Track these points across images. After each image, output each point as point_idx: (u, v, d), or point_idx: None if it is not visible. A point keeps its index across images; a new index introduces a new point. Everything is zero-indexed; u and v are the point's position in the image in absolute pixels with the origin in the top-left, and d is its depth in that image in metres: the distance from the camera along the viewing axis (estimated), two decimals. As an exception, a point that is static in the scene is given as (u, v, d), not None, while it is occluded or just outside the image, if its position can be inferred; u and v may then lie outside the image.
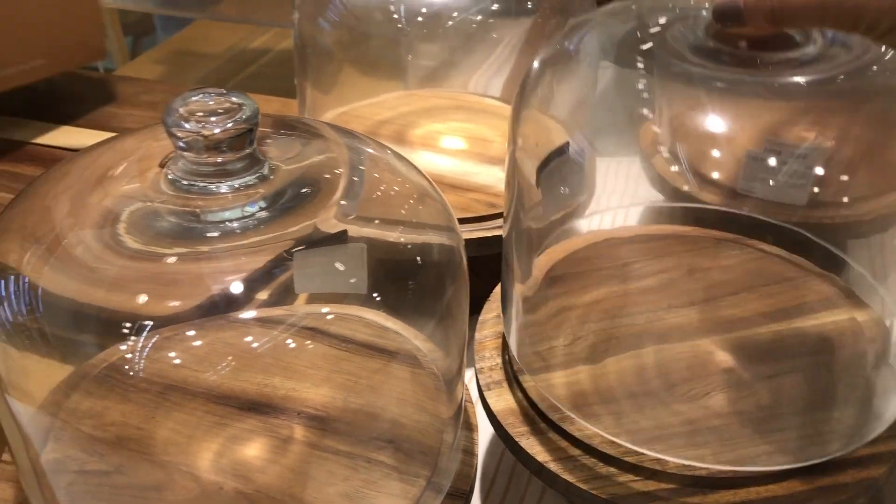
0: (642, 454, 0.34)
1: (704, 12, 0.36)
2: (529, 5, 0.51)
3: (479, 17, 0.50)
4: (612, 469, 0.34)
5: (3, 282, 0.31)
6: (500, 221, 0.49)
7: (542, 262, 0.44)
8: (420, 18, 0.51)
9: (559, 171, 0.41)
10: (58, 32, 0.61)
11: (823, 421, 0.36)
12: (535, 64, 0.39)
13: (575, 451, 0.35)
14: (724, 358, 0.39)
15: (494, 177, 0.52)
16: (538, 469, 0.35)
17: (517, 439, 0.36)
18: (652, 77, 0.37)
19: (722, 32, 0.35)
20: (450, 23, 0.50)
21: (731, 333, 0.40)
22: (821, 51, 0.35)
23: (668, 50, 0.36)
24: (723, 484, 0.34)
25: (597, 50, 0.40)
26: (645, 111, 0.38)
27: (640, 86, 0.38)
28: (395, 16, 0.50)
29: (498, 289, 0.44)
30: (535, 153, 0.39)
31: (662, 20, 0.38)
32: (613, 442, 0.35)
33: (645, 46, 0.37)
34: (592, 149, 0.40)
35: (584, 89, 0.41)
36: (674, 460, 0.34)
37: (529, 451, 0.36)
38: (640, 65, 0.37)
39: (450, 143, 0.56)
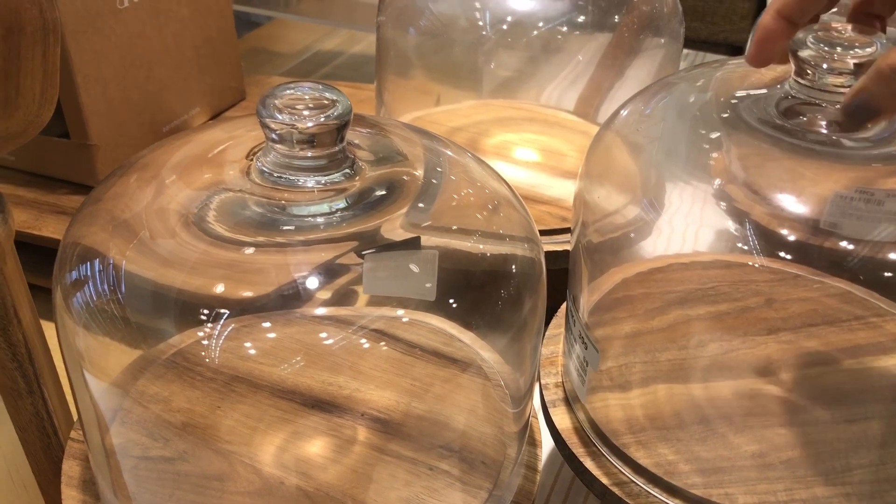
0: (709, 487, 0.33)
1: (778, 88, 0.36)
2: (616, 19, 0.51)
3: (565, 29, 0.49)
4: (677, 500, 0.33)
5: (89, 263, 0.31)
6: (570, 235, 0.48)
7: (606, 282, 0.43)
8: (504, 27, 0.50)
9: (630, 193, 0.40)
10: (209, 80, 0.65)
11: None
12: (624, 111, 0.39)
13: (639, 479, 0.34)
14: (799, 393, 0.38)
15: (567, 190, 0.52)
16: (602, 492, 0.34)
17: (581, 459, 0.35)
18: (727, 132, 0.37)
19: (793, 110, 0.34)
20: (534, 33, 0.50)
21: (809, 369, 0.39)
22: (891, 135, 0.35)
23: (743, 120, 0.36)
24: None
25: (673, 111, 0.40)
26: (717, 153, 0.37)
27: (716, 135, 0.37)
28: (480, 23, 0.50)
29: (563, 307, 0.44)
30: (608, 175, 0.39)
31: (738, 94, 0.37)
32: (678, 470, 0.34)
33: (723, 115, 0.37)
34: (661, 176, 0.39)
35: (659, 135, 0.40)
36: (744, 496, 0.33)
37: (594, 472, 0.35)
38: (717, 126, 0.37)
39: (523, 155, 0.56)
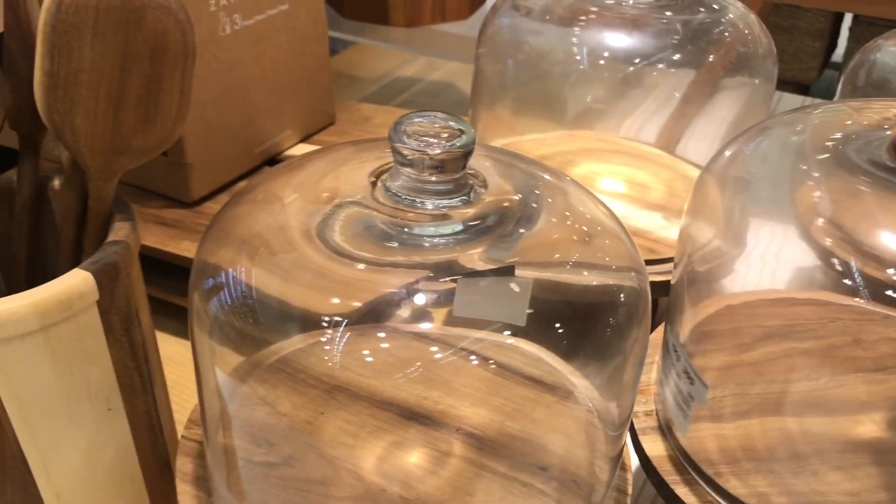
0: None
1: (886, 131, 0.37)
2: (711, 58, 0.52)
3: (662, 66, 0.51)
4: (771, 530, 0.34)
5: (222, 272, 0.33)
6: (658, 267, 0.49)
7: (701, 314, 0.44)
8: (601, 62, 0.52)
9: (729, 230, 0.41)
10: (301, 103, 0.67)
11: None
12: (728, 151, 0.40)
13: (729, 506, 0.35)
14: (892, 433, 0.38)
15: (653, 223, 0.53)
16: (694, 520, 0.35)
17: (673, 487, 0.36)
18: (828, 172, 0.38)
19: None
20: (630, 69, 0.51)
21: (900, 409, 0.39)
22: None
23: (847, 160, 0.37)
24: None
25: (776, 149, 0.41)
26: (818, 193, 0.38)
27: (817, 174, 0.38)
28: (577, 57, 0.51)
29: (654, 335, 0.45)
30: (711, 213, 0.40)
31: (838, 135, 0.38)
32: (771, 502, 0.34)
33: (820, 156, 0.38)
34: (760, 215, 0.40)
35: (762, 175, 0.41)
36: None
37: (685, 500, 0.36)
38: (818, 166, 0.38)
39: (609, 185, 0.57)
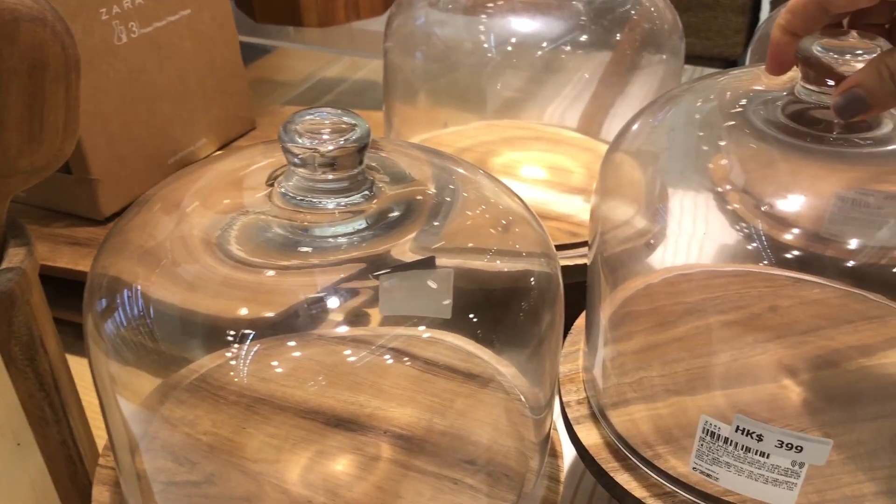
0: (744, 495, 0.33)
1: (785, 93, 0.37)
2: (618, 37, 0.52)
3: (568, 48, 0.51)
4: (709, 504, 0.34)
5: (117, 291, 0.32)
6: (581, 250, 0.49)
7: (621, 295, 0.44)
8: (509, 48, 0.51)
9: (640, 205, 0.41)
10: (215, 110, 0.65)
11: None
12: (634, 125, 0.40)
13: (670, 488, 0.35)
14: (814, 395, 0.39)
15: (575, 206, 0.53)
16: (634, 505, 0.35)
17: (612, 475, 0.36)
18: (732, 138, 0.38)
19: (801, 113, 0.35)
20: (538, 53, 0.51)
21: (822, 370, 0.40)
22: (893, 132, 0.36)
23: (749, 124, 0.37)
24: None
25: (681, 120, 0.41)
26: (724, 160, 0.38)
27: (721, 142, 0.38)
28: (485, 45, 0.51)
29: (577, 322, 0.44)
30: (620, 190, 0.39)
31: (743, 101, 0.38)
32: (708, 479, 0.34)
33: (728, 123, 0.38)
34: (670, 188, 0.40)
35: (668, 146, 0.41)
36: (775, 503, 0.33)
37: (626, 486, 0.35)
38: (722, 133, 0.38)
39: (530, 173, 0.57)
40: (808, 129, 0.35)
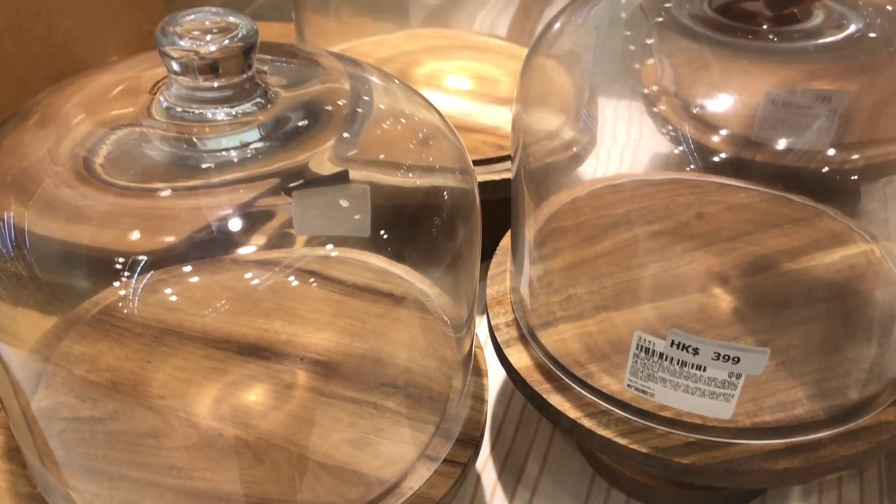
0: (680, 409, 0.33)
1: None
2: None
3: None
4: (648, 423, 0.33)
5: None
6: (507, 164, 0.47)
7: (547, 211, 0.42)
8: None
9: (564, 113, 0.39)
10: (123, 26, 0.60)
11: (856, 360, 0.34)
12: (556, 24, 0.37)
13: (605, 406, 0.34)
14: (745, 302, 0.38)
15: (502, 117, 0.50)
16: (570, 426, 0.34)
17: (545, 396, 0.35)
18: (660, 37, 0.36)
19: (730, 6, 0.33)
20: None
21: (751, 276, 0.39)
22: (824, 23, 0.34)
23: (676, 22, 0.35)
24: (767, 433, 0.32)
25: (606, 18, 0.38)
26: (651, 60, 0.36)
27: (649, 41, 0.36)
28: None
29: (503, 242, 0.43)
30: (543, 97, 0.37)
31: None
32: (643, 396, 0.33)
33: (656, 19, 0.36)
34: (596, 93, 0.38)
35: (593, 45, 0.39)
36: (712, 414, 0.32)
37: (559, 407, 0.34)
38: (649, 31, 0.35)
39: (455, 83, 0.54)
40: (736, 24, 0.33)
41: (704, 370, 0.31)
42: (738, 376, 0.31)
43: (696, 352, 0.31)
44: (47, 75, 0.55)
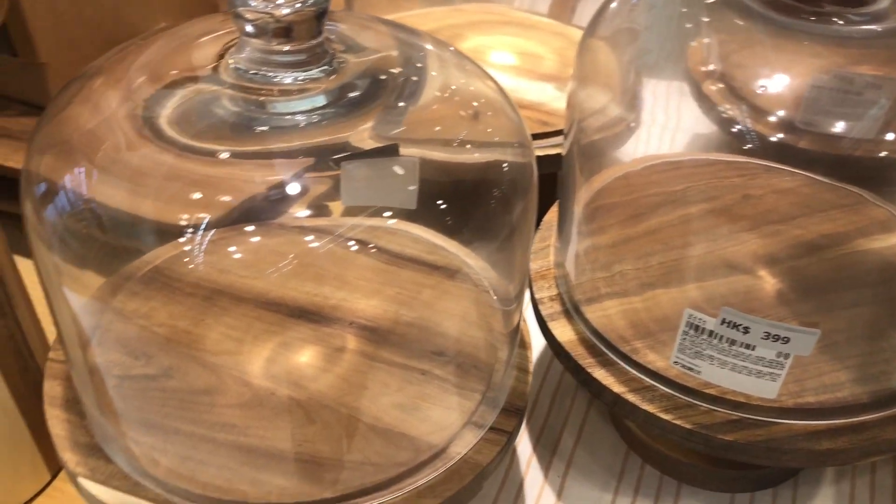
0: (724, 387, 0.33)
1: None
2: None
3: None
4: (692, 399, 0.33)
5: (58, 176, 0.30)
6: (552, 140, 0.47)
7: (597, 186, 0.43)
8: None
9: (619, 92, 0.39)
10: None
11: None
12: (612, 3, 0.37)
13: (649, 382, 0.34)
14: (791, 285, 0.38)
15: (547, 94, 0.50)
16: (614, 400, 0.34)
17: (589, 370, 0.35)
18: (716, 16, 0.36)
19: None
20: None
21: (796, 260, 0.39)
22: (892, 6, 0.34)
23: (735, 0, 0.34)
24: (810, 414, 0.33)
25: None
26: (707, 39, 0.36)
27: (705, 19, 0.36)
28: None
29: (548, 217, 0.43)
30: (598, 74, 0.37)
31: None
32: (688, 373, 0.33)
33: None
34: (650, 71, 0.38)
35: (648, 24, 0.39)
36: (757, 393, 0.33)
37: (603, 381, 0.35)
38: (706, 10, 0.35)
39: (499, 59, 0.54)
40: (798, 3, 0.33)
41: (753, 349, 0.31)
42: (787, 356, 0.31)
43: (746, 330, 0.31)
44: (96, 36, 0.56)
